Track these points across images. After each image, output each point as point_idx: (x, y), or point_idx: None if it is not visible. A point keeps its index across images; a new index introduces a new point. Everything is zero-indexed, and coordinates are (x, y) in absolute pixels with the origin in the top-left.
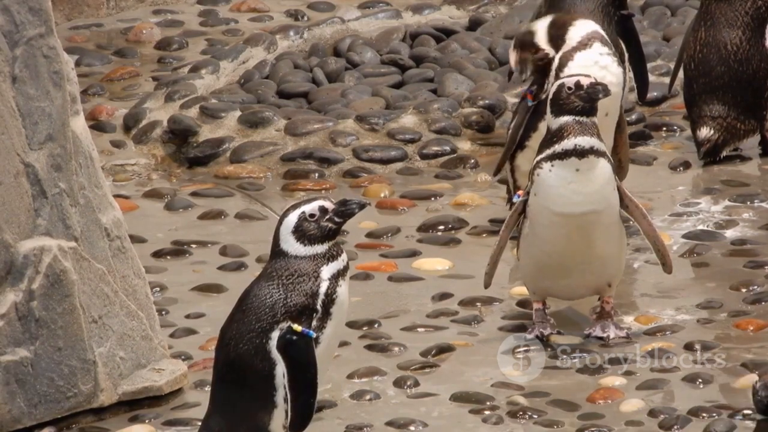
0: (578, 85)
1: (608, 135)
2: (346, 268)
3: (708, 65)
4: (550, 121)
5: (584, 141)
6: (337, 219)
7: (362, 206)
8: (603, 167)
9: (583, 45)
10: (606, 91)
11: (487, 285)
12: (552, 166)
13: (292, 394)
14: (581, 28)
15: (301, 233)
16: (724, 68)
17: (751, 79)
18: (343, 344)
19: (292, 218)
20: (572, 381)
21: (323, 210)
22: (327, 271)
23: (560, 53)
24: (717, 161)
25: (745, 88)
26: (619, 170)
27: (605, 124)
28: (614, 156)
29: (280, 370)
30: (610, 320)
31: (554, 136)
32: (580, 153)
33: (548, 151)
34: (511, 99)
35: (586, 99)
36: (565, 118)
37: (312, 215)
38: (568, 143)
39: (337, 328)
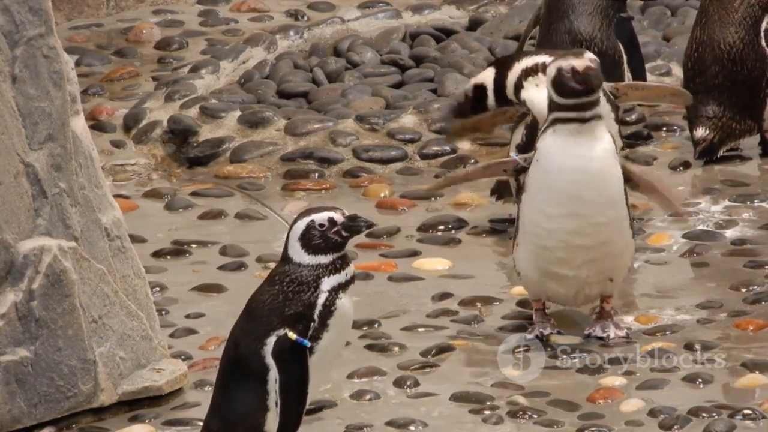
0: (574, 70)
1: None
2: (349, 282)
3: (703, 64)
4: (554, 97)
5: (587, 111)
6: (344, 233)
7: (369, 226)
8: (604, 134)
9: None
10: (597, 79)
11: (430, 193)
12: (554, 130)
13: (281, 400)
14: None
15: (306, 241)
16: (719, 67)
17: (746, 78)
18: None
19: (301, 225)
20: (572, 381)
21: (332, 222)
22: (327, 283)
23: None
24: (715, 161)
25: (740, 88)
26: (680, 99)
27: None
28: (665, 98)
29: (273, 375)
30: (610, 320)
31: (559, 107)
32: (581, 119)
33: (551, 117)
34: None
35: (581, 83)
36: (568, 100)
37: (321, 225)
38: (570, 112)
39: (336, 339)
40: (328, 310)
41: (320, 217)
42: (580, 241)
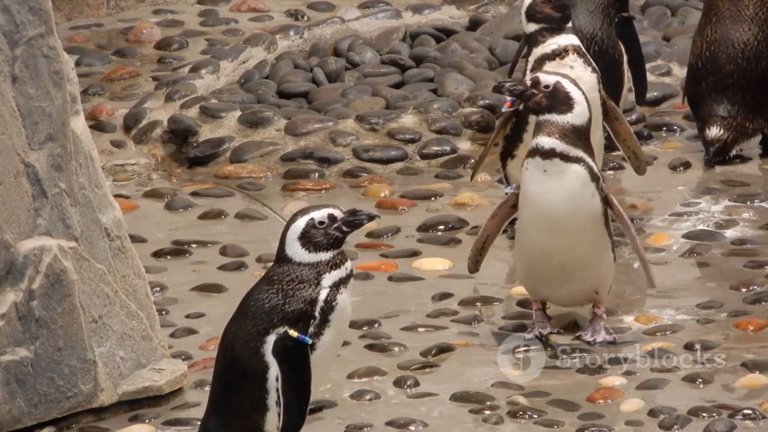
0: (535, 81)
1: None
2: (348, 277)
3: (717, 63)
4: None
5: (544, 141)
6: (345, 228)
7: (371, 218)
8: (575, 172)
9: (556, 55)
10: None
11: (470, 270)
12: (527, 163)
13: (284, 399)
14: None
15: (307, 240)
16: (734, 66)
17: (760, 76)
18: (344, 344)
19: (300, 224)
20: (572, 381)
21: (332, 218)
22: (328, 279)
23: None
24: (725, 161)
25: (754, 87)
26: (637, 162)
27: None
28: (626, 149)
29: (273, 373)
30: (600, 324)
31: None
32: (543, 153)
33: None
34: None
35: (550, 96)
36: (537, 116)
37: (321, 222)
38: (533, 141)
39: (337, 335)
40: (330, 305)
41: (320, 215)
42: (558, 258)
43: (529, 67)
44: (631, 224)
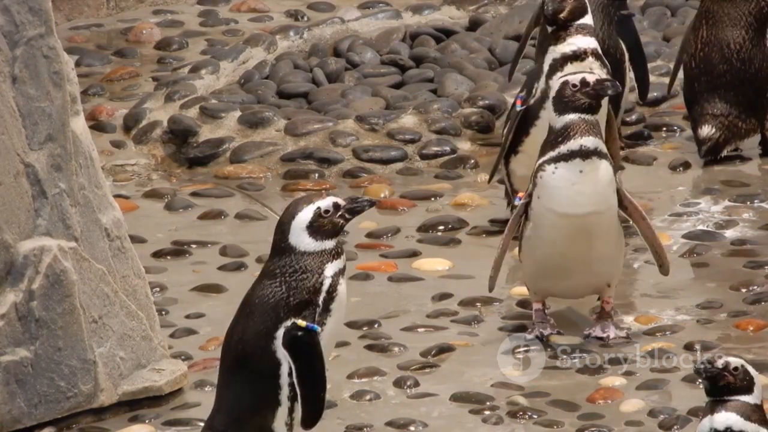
0: (584, 81)
1: None
2: (345, 267)
3: (710, 64)
4: (553, 120)
5: (589, 141)
6: (347, 215)
7: (372, 204)
8: (605, 168)
9: (576, 57)
10: (615, 87)
11: (491, 289)
12: (556, 168)
13: (302, 389)
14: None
15: (315, 229)
16: (726, 67)
17: (753, 78)
18: (344, 344)
19: (307, 214)
20: (572, 381)
21: (336, 206)
22: (331, 268)
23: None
24: (717, 161)
25: (746, 87)
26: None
27: None
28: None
29: (285, 369)
30: (610, 320)
31: (559, 135)
32: (585, 154)
33: (552, 153)
34: (511, 99)
35: (593, 96)
36: (570, 117)
37: (327, 211)
38: (573, 144)
39: (336, 325)
40: (331, 295)
41: (326, 204)
42: (581, 259)
43: (547, 64)
44: (645, 214)
